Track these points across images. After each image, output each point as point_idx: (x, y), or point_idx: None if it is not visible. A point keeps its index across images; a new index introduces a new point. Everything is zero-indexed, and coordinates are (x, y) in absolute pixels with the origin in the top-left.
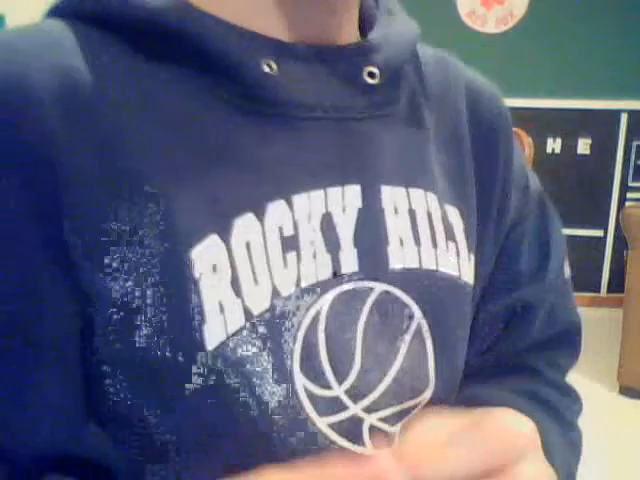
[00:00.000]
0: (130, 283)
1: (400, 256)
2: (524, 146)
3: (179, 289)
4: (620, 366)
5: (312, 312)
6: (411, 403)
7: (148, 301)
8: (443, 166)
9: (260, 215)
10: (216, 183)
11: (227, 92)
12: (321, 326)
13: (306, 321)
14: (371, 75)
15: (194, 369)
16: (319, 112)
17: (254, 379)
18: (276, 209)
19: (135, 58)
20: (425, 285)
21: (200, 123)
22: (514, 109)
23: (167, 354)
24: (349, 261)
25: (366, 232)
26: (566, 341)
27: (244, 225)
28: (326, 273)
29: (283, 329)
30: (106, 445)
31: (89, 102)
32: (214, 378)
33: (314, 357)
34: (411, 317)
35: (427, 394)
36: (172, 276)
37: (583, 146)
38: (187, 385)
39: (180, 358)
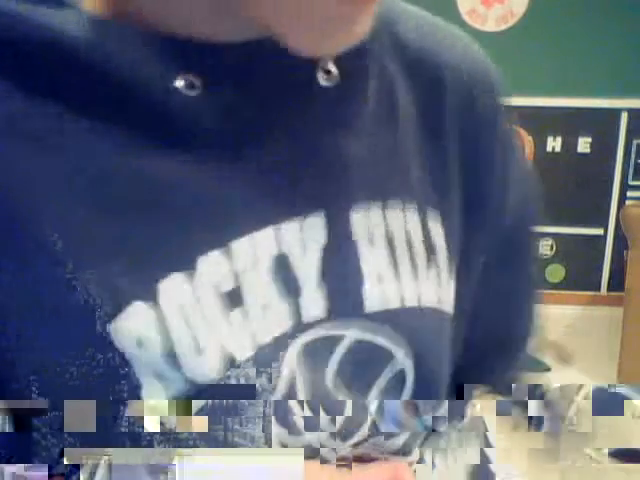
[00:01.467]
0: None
1: (379, 296)
2: (524, 144)
3: (106, 366)
4: (620, 365)
5: (284, 372)
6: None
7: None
8: (424, 161)
9: (189, 274)
10: (134, 240)
11: (134, 125)
12: (289, 382)
13: (280, 384)
14: (327, 73)
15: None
16: (263, 132)
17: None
18: (209, 262)
19: (19, 93)
20: (407, 324)
21: (107, 169)
22: (514, 107)
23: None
24: (314, 305)
25: (334, 271)
26: None
27: (171, 288)
28: (284, 324)
29: (246, 394)
30: None
31: None
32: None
33: (288, 414)
34: (389, 360)
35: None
36: (95, 354)
37: (583, 145)
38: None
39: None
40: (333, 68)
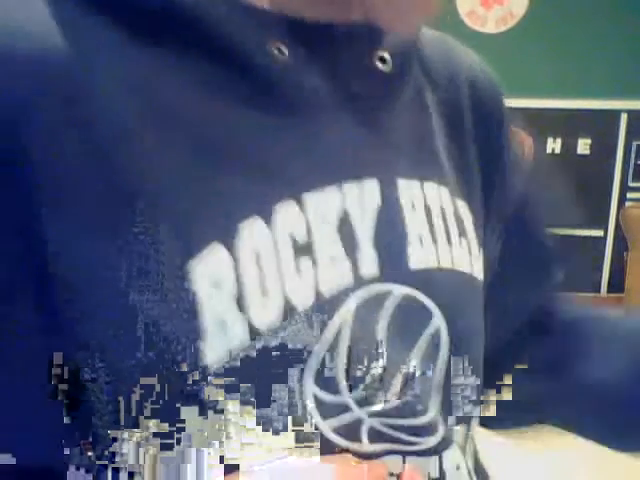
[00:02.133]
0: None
1: (420, 256)
2: (524, 146)
3: (176, 305)
4: None
5: (335, 322)
6: (418, 419)
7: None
8: (450, 157)
9: (268, 218)
10: (217, 184)
11: (229, 80)
12: (344, 336)
13: (327, 333)
14: (382, 60)
15: (189, 388)
16: (330, 100)
17: (253, 397)
18: (286, 211)
19: (124, 40)
20: (443, 285)
21: (197, 115)
22: (514, 109)
23: (163, 373)
24: (369, 264)
25: (386, 231)
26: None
27: (250, 231)
28: (346, 279)
29: (298, 344)
30: None
31: (75, 87)
32: (211, 398)
33: (332, 368)
34: (430, 319)
35: (434, 406)
36: (168, 291)
37: (583, 146)
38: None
39: (177, 375)
40: (387, 56)
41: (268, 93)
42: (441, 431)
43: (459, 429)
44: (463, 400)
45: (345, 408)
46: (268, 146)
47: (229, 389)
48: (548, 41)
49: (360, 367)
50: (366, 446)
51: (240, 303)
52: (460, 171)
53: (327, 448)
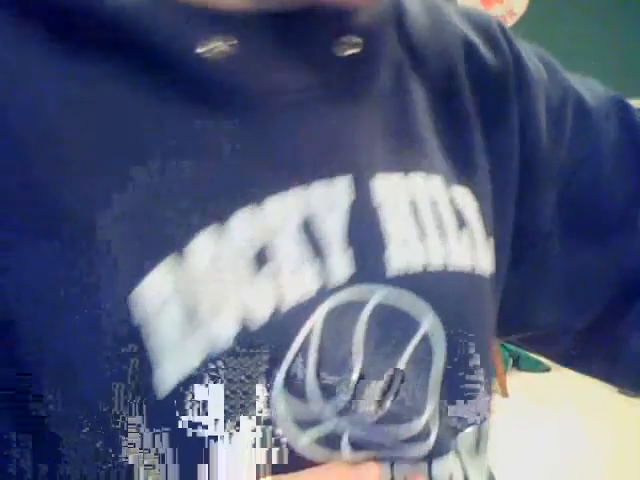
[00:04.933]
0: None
1: (402, 258)
2: None
3: (118, 341)
4: None
5: (303, 332)
6: (404, 426)
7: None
8: (444, 139)
9: (225, 228)
10: (167, 196)
11: (166, 83)
12: (313, 347)
13: (295, 344)
14: (348, 45)
15: (142, 420)
16: (289, 95)
17: (220, 419)
18: (245, 217)
19: (55, 49)
20: (433, 288)
21: (144, 125)
22: None
23: (114, 408)
24: (341, 268)
25: (360, 232)
26: None
27: (206, 242)
28: (314, 285)
29: (260, 358)
30: None
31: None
32: (169, 428)
33: (301, 380)
34: (416, 325)
35: (426, 413)
36: (108, 330)
37: None
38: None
39: (129, 410)
40: (354, 40)
41: (221, 94)
42: (432, 439)
43: (464, 437)
44: (466, 406)
45: (322, 419)
46: (222, 151)
47: (186, 412)
48: (548, 40)
49: (332, 377)
50: (347, 456)
51: (191, 321)
52: (457, 152)
53: (304, 462)
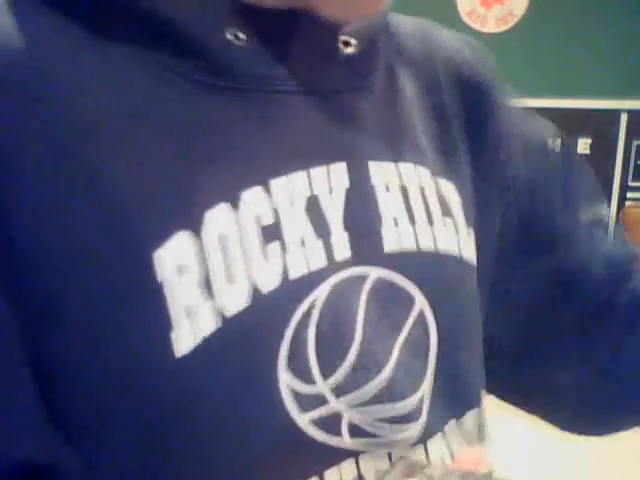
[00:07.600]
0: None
1: (395, 238)
2: None
3: (140, 297)
4: None
5: (304, 306)
6: (400, 404)
7: (108, 314)
8: (430, 137)
9: (235, 205)
10: (182, 172)
11: (190, 68)
12: (313, 320)
13: (296, 316)
14: (346, 44)
15: (160, 380)
16: (294, 86)
17: (227, 384)
18: (252, 197)
19: (84, 36)
20: (425, 267)
21: (161, 105)
22: None
23: (132, 365)
24: (341, 246)
25: (357, 213)
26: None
27: (217, 218)
28: (319, 261)
29: (266, 328)
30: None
31: (38, 90)
32: (183, 387)
33: (302, 353)
34: (412, 303)
35: (421, 391)
36: (131, 284)
37: (583, 146)
38: (153, 395)
39: (146, 368)
40: (351, 39)
41: (229, 79)
42: (424, 418)
43: (464, 423)
44: (463, 386)
45: (322, 399)
46: (233, 133)
47: (199, 378)
48: (548, 41)
49: (333, 353)
50: (347, 441)
51: (207, 289)
52: (443, 151)
53: (306, 443)
